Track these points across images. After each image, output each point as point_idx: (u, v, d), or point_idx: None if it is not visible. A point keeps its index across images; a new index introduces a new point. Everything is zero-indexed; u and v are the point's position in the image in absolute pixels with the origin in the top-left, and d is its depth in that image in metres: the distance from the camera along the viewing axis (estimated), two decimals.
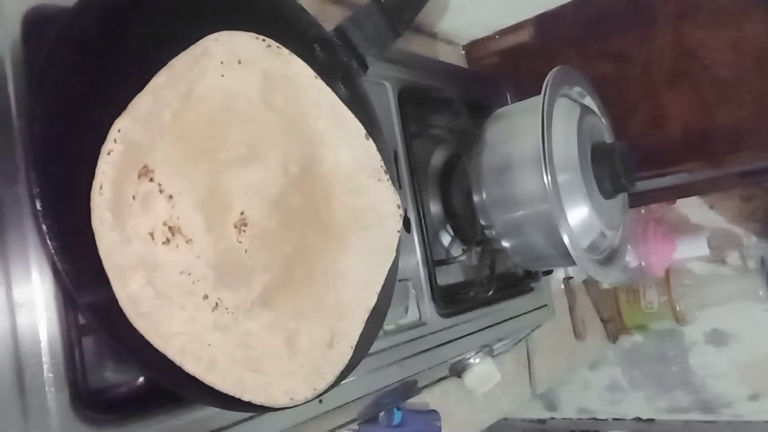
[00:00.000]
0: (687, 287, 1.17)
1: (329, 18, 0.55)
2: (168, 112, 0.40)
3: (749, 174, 0.87)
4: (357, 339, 0.48)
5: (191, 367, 0.37)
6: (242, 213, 0.44)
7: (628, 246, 0.95)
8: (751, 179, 0.88)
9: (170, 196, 0.39)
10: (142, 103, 0.39)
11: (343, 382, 0.48)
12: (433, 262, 0.67)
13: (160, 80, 0.40)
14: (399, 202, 0.54)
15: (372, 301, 0.50)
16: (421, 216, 0.66)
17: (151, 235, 0.38)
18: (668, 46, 0.87)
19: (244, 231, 0.43)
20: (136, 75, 0.39)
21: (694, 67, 0.86)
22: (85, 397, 0.37)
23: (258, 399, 0.40)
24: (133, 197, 0.37)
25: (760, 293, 1.11)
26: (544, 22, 0.97)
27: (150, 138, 0.38)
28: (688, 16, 0.85)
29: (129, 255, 0.36)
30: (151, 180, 0.38)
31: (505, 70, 0.98)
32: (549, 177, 0.61)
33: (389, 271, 0.52)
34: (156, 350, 0.36)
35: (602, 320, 1.23)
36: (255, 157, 0.45)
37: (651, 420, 1.37)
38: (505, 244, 0.70)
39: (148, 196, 0.38)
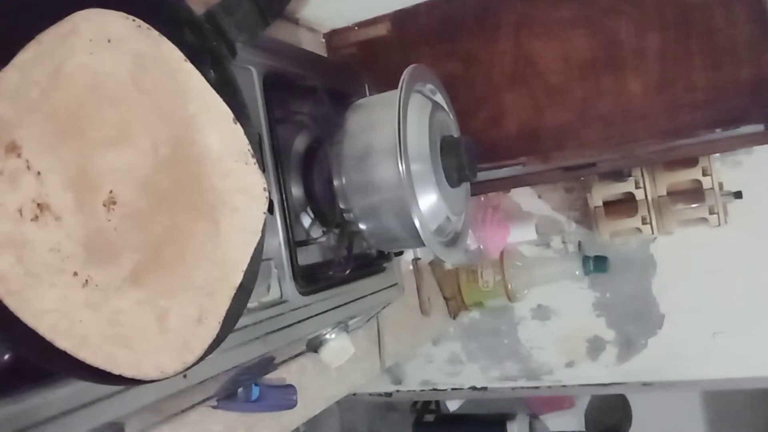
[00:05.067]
0: (518, 268, 1.26)
1: (199, 2, 0.56)
2: (36, 90, 0.39)
3: (571, 169, 0.98)
4: (224, 315, 0.50)
5: (63, 344, 0.37)
6: (111, 192, 0.44)
7: (469, 230, 1.04)
8: (573, 173, 0.99)
9: (38, 173, 0.39)
10: (8, 78, 0.38)
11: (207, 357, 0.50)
12: (295, 243, 0.69)
13: (27, 55, 0.39)
14: (265, 185, 0.56)
15: (238, 279, 0.52)
16: (284, 199, 0.68)
17: (20, 212, 0.37)
18: (509, 52, 0.96)
19: (113, 210, 0.44)
20: (1, 49, 0.38)
21: (530, 72, 0.95)
22: None
23: (129, 373, 0.41)
24: (1, 173, 0.37)
25: (577, 273, 1.22)
26: (400, 18, 1.02)
27: (17, 114, 0.38)
28: (526, 26, 0.94)
29: None
30: (19, 156, 0.38)
31: (364, 61, 1.02)
32: (404, 166, 0.66)
33: (255, 251, 0.54)
34: (26, 327, 0.36)
35: (445, 298, 1.29)
36: (124, 138, 0.46)
37: (484, 388, 1.47)
38: (362, 226, 0.74)
39: (15, 172, 0.37)
